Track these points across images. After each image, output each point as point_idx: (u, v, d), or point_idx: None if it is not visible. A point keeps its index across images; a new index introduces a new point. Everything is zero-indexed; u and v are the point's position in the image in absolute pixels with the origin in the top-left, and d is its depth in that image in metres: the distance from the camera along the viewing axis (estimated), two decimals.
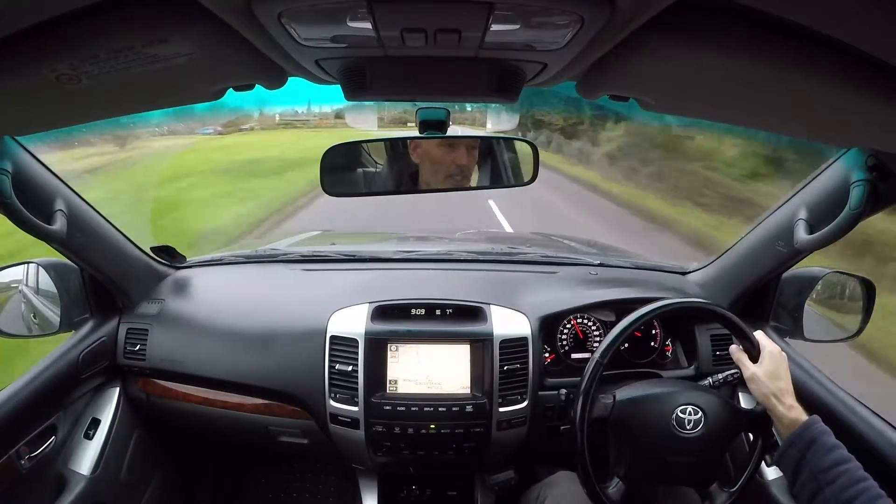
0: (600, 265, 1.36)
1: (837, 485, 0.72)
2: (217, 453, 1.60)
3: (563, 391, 1.10)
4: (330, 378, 1.09)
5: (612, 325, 0.90)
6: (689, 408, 0.86)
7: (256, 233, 5.88)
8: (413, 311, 1.13)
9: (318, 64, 0.57)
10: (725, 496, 0.90)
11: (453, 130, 0.87)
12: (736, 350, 0.90)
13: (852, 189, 0.77)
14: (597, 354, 0.89)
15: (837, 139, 0.76)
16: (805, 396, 0.90)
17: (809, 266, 1.13)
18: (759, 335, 0.90)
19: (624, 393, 0.89)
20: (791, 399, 0.83)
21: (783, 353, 0.87)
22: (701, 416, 0.86)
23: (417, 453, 1.11)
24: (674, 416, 0.85)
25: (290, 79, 0.66)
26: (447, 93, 0.67)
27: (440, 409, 1.07)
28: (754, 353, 0.88)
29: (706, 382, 0.94)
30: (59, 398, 1.06)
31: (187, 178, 8.45)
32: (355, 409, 1.08)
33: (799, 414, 0.81)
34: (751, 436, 0.93)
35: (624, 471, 0.89)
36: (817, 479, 0.74)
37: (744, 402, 1.13)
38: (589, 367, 0.88)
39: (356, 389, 1.07)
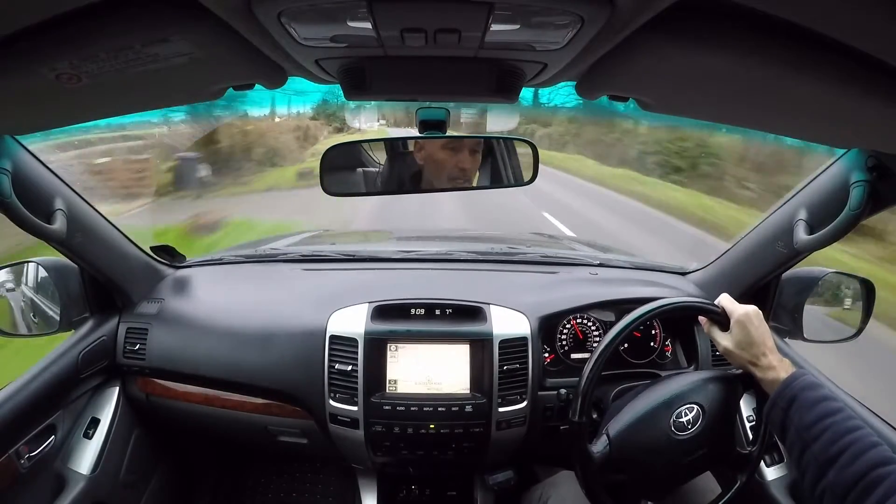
0: (600, 265, 1.36)
1: (823, 440, 0.68)
2: (217, 453, 1.60)
3: (563, 391, 1.10)
4: (329, 378, 1.09)
5: (612, 325, 0.89)
6: (683, 409, 0.84)
7: None
8: (413, 310, 1.13)
9: (318, 63, 0.57)
10: (751, 457, 0.88)
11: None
12: (706, 322, 0.88)
13: (852, 189, 0.76)
14: (593, 358, 0.87)
15: (837, 139, 0.76)
16: None
17: (809, 266, 1.13)
18: (723, 300, 0.87)
19: (615, 426, 0.85)
20: (767, 359, 0.79)
21: (749, 313, 0.82)
22: (697, 411, 0.84)
23: (417, 453, 1.11)
24: (671, 423, 0.83)
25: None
26: (447, 93, 0.67)
27: (440, 409, 1.07)
28: (723, 322, 0.85)
29: None
30: (58, 397, 1.06)
31: None
32: (355, 408, 1.08)
33: (777, 375, 0.77)
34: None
35: (648, 493, 0.88)
36: (802, 437, 0.70)
37: None
38: (586, 370, 0.86)
39: (356, 389, 1.07)
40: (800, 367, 0.92)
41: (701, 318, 0.89)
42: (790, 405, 0.73)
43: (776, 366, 0.79)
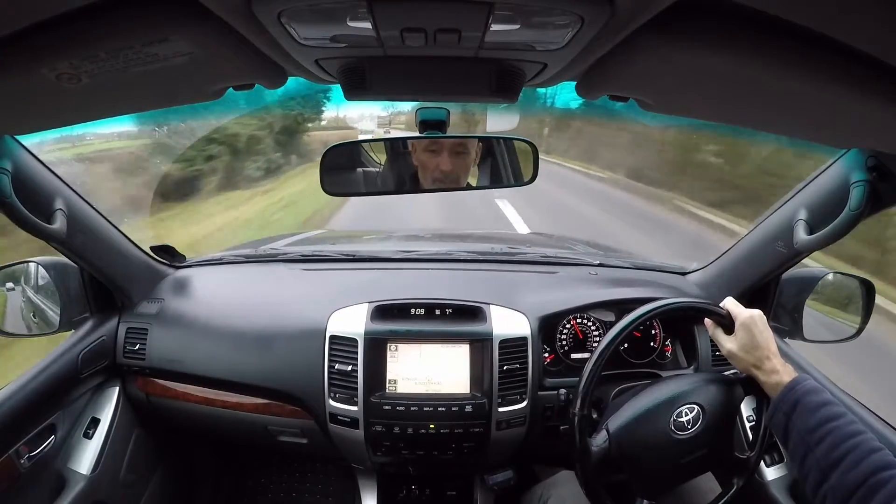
0: (600, 265, 1.36)
1: (825, 445, 0.69)
2: (217, 453, 1.60)
3: (563, 391, 1.10)
4: (329, 378, 1.09)
5: (612, 325, 0.89)
6: (684, 408, 0.84)
7: None
8: (413, 310, 1.13)
9: (318, 63, 0.58)
10: (750, 461, 0.88)
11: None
12: (711, 324, 0.88)
13: (852, 189, 0.76)
14: (595, 355, 0.87)
15: (837, 139, 0.75)
16: None
17: (809, 266, 1.13)
18: (728, 304, 0.87)
19: (615, 421, 0.86)
20: (770, 363, 0.80)
21: (754, 317, 0.83)
22: (698, 411, 0.84)
23: (417, 453, 1.11)
24: (671, 422, 0.83)
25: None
26: (447, 93, 0.67)
27: (439, 408, 1.07)
28: (727, 325, 0.86)
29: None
30: (58, 397, 1.06)
31: None
32: (355, 408, 1.08)
33: (780, 378, 0.78)
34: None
35: (646, 492, 0.88)
36: (805, 441, 0.71)
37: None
38: (588, 368, 0.87)
39: (356, 389, 1.07)
40: (803, 371, 0.93)
41: (706, 320, 0.89)
42: (793, 409, 0.74)
43: (779, 370, 0.79)
